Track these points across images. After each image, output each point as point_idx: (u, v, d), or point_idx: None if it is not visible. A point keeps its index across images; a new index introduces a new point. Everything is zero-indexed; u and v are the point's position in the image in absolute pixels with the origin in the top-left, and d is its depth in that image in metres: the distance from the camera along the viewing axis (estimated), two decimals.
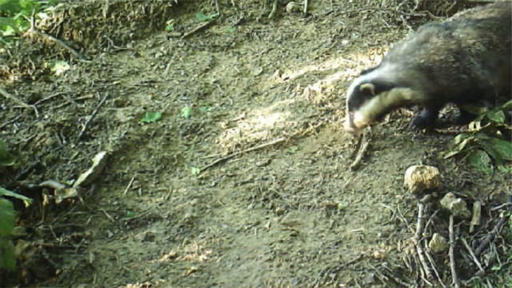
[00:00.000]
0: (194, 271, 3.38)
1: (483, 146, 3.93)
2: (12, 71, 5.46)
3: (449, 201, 3.58)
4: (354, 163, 3.96)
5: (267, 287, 3.20)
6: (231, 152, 4.27)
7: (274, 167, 4.10)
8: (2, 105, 4.97)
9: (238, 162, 4.19)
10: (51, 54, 5.63)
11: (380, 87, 3.94)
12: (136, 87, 5.05)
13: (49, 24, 5.80)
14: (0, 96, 5.06)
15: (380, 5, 5.62)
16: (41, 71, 5.47)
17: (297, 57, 5.17)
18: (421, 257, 3.31)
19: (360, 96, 3.96)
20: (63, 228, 3.83)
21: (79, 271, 3.46)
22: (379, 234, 3.44)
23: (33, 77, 5.40)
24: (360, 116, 4.00)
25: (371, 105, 3.97)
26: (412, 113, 4.34)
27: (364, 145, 4.08)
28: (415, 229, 3.45)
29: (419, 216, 3.51)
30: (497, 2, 4.50)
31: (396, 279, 3.22)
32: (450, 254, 3.33)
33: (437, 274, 3.24)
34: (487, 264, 3.32)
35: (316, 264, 3.29)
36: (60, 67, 5.45)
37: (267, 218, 3.68)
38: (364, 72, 4.11)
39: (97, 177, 4.17)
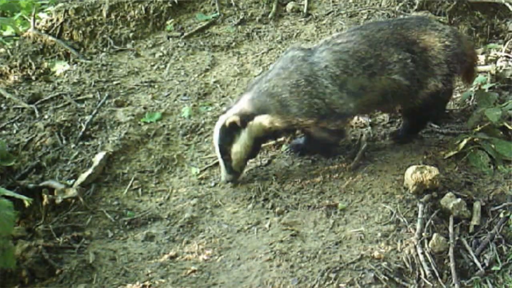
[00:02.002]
0: (194, 271, 3.38)
1: (483, 146, 3.94)
2: (12, 71, 5.46)
3: (449, 201, 3.58)
4: (352, 163, 3.96)
5: (267, 287, 3.20)
6: None
7: (274, 167, 4.10)
8: (2, 105, 4.97)
9: None
10: (51, 54, 5.63)
11: (245, 118, 3.78)
12: (136, 87, 5.05)
13: (49, 24, 5.80)
14: (0, 96, 5.06)
15: (380, 5, 5.62)
16: (41, 71, 5.47)
17: None
18: (421, 257, 3.31)
19: (229, 133, 3.80)
20: (63, 228, 3.83)
21: (79, 271, 3.46)
22: (379, 234, 3.44)
23: (33, 77, 5.40)
24: (236, 155, 3.84)
25: (243, 139, 3.81)
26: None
27: (364, 145, 4.08)
28: (415, 229, 3.45)
29: (419, 216, 3.51)
30: (364, 25, 4.29)
31: (396, 279, 3.22)
32: (450, 254, 3.33)
33: (437, 274, 3.24)
34: (487, 264, 3.32)
35: (316, 264, 3.29)
36: (60, 67, 5.45)
37: (267, 218, 3.68)
38: (223, 113, 3.94)
39: (97, 177, 4.17)
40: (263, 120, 3.78)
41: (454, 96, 4.53)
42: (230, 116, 3.80)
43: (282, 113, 3.77)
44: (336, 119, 3.81)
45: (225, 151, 3.83)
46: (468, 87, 4.56)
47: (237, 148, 3.83)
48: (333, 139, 3.97)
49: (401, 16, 5.38)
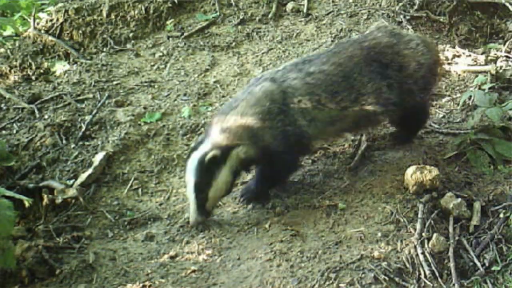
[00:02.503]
0: (194, 271, 3.38)
1: (483, 146, 3.93)
2: (12, 71, 5.46)
3: (449, 201, 3.58)
4: (352, 163, 3.96)
5: (267, 287, 3.20)
6: None
7: None
8: (2, 105, 4.97)
9: None
10: (51, 54, 5.63)
11: (223, 151, 3.54)
12: (136, 87, 5.05)
13: (49, 24, 5.80)
14: (0, 96, 5.06)
15: (380, 5, 5.63)
16: (41, 71, 5.47)
17: (297, 57, 5.16)
18: (421, 257, 3.31)
19: (209, 170, 3.53)
20: (63, 228, 3.83)
21: (79, 271, 3.45)
22: (379, 234, 3.44)
23: (33, 77, 5.40)
24: (215, 193, 3.59)
25: (223, 174, 3.57)
26: None
27: (364, 145, 4.08)
28: (415, 229, 3.45)
29: (419, 216, 3.51)
30: (336, 47, 3.97)
31: (396, 279, 3.22)
32: (450, 254, 3.33)
33: (437, 274, 3.24)
34: (487, 264, 3.32)
35: (316, 264, 3.29)
36: (60, 67, 5.45)
37: (267, 218, 3.68)
38: (194, 149, 3.63)
39: (97, 177, 4.16)
40: (240, 151, 3.58)
41: (454, 96, 4.54)
42: (208, 151, 3.52)
43: (256, 142, 3.60)
44: (305, 147, 3.75)
45: (202, 189, 3.53)
46: (468, 88, 4.57)
47: (217, 185, 3.57)
48: (293, 168, 3.84)
49: (401, 16, 5.39)
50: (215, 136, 3.58)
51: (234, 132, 3.57)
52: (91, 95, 4.95)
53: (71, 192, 3.99)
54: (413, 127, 4.14)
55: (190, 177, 3.56)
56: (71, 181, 4.13)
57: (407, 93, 3.80)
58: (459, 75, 4.75)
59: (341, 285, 3.16)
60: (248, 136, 3.58)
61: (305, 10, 5.70)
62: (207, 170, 3.52)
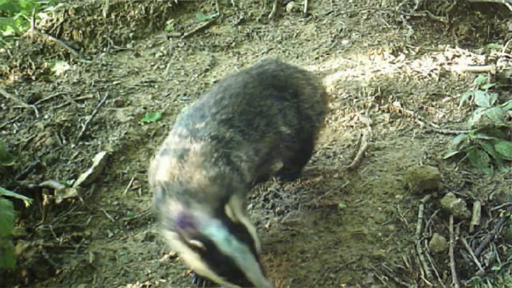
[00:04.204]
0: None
1: (483, 146, 3.93)
2: (12, 71, 5.46)
3: (449, 201, 3.58)
4: (352, 163, 3.96)
5: None
6: None
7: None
8: (2, 105, 4.97)
9: None
10: (51, 54, 5.63)
11: (228, 221, 2.87)
12: (136, 87, 5.05)
13: (49, 24, 5.80)
14: (0, 96, 5.06)
15: (380, 5, 5.63)
16: (41, 71, 5.47)
17: (297, 57, 5.17)
18: (421, 257, 3.31)
19: (243, 239, 2.87)
20: (63, 228, 3.83)
21: (79, 271, 3.46)
22: (379, 234, 3.44)
23: (33, 77, 5.40)
24: (257, 243, 2.96)
25: (248, 223, 3.00)
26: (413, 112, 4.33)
27: (364, 145, 4.08)
28: (415, 229, 3.45)
29: (419, 216, 3.51)
30: (221, 83, 3.57)
31: (396, 279, 3.22)
32: (450, 254, 3.33)
33: (437, 274, 3.24)
34: (487, 264, 3.32)
35: (316, 264, 3.29)
36: (60, 67, 5.45)
37: (267, 218, 3.68)
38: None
39: (97, 177, 4.16)
40: (230, 200, 2.99)
41: (454, 96, 4.53)
42: (226, 233, 2.82)
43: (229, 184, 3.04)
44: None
45: (256, 256, 2.89)
46: (468, 88, 4.57)
47: (255, 237, 2.96)
48: None
49: (401, 16, 5.39)
50: (205, 210, 2.87)
51: (211, 193, 2.94)
52: (91, 95, 4.95)
53: (71, 192, 3.99)
54: (302, 161, 3.88)
55: (244, 262, 2.82)
56: (71, 181, 4.13)
57: (305, 119, 3.54)
58: (459, 75, 4.74)
59: (341, 285, 3.16)
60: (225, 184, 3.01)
61: (305, 10, 5.70)
62: (241, 241, 2.83)
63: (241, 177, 3.11)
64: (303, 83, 3.62)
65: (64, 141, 4.50)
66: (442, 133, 4.20)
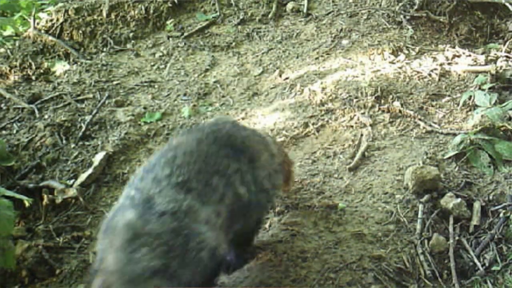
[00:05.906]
0: None
1: (483, 146, 3.93)
2: (12, 71, 5.45)
3: (449, 201, 3.58)
4: (352, 163, 3.96)
5: (267, 287, 3.20)
6: None
7: None
8: (2, 105, 4.97)
9: None
10: (51, 54, 5.63)
11: None
12: (136, 87, 5.05)
13: (49, 24, 5.80)
14: (0, 96, 5.06)
15: (380, 5, 5.62)
16: (41, 71, 5.47)
17: (297, 57, 5.17)
18: (421, 257, 3.31)
19: None
20: (63, 228, 3.83)
21: (79, 271, 3.46)
22: (379, 234, 3.44)
23: (33, 77, 5.40)
24: None
25: None
26: (412, 113, 4.34)
27: (364, 145, 4.08)
28: (415, 229, 3.45)
29: (419, 216, 3.51)
30: (170, 143, 3.15)
31: (396, 279, 3.22)
32: (450, 254, 3.33)
33: (437, 274, 3.24)
34: (487, 264, 3.32)
35: (316, 264, 3.29)
36: (60, 67, 5.45)
37: (267, 218, 3.68)
38: None
39: (97, 177, 4.16)
40: None
41: (454, 96, 4.53)
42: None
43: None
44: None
45: None
46: (468, 88, 4.57)
47: None
48: None
49: (401, 16, 5.39)
50: None
51: None
52: (91, 95, 4.95)
53: (71, 192, 3.99)
54: (248, 240, 3.41)
55: None
56: (71, 181, 4.13)
57: (261, 192, 3.13)
58: (459, 75, 4.74)
59: (341, 285, 3.16)
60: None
61: (305, 10, 5.70)
62: None
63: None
64: (260, 148, 3.23)
65: (64, 141, 4.50)
66: (442, 133, 4.20)
